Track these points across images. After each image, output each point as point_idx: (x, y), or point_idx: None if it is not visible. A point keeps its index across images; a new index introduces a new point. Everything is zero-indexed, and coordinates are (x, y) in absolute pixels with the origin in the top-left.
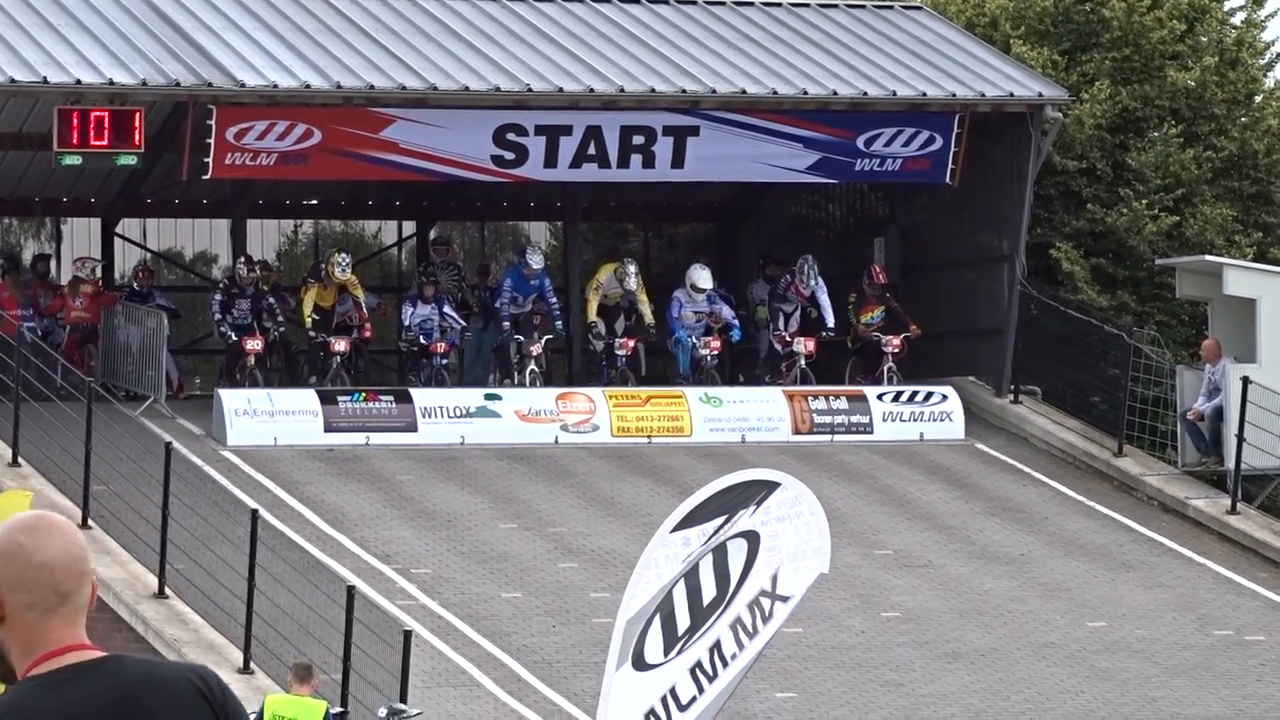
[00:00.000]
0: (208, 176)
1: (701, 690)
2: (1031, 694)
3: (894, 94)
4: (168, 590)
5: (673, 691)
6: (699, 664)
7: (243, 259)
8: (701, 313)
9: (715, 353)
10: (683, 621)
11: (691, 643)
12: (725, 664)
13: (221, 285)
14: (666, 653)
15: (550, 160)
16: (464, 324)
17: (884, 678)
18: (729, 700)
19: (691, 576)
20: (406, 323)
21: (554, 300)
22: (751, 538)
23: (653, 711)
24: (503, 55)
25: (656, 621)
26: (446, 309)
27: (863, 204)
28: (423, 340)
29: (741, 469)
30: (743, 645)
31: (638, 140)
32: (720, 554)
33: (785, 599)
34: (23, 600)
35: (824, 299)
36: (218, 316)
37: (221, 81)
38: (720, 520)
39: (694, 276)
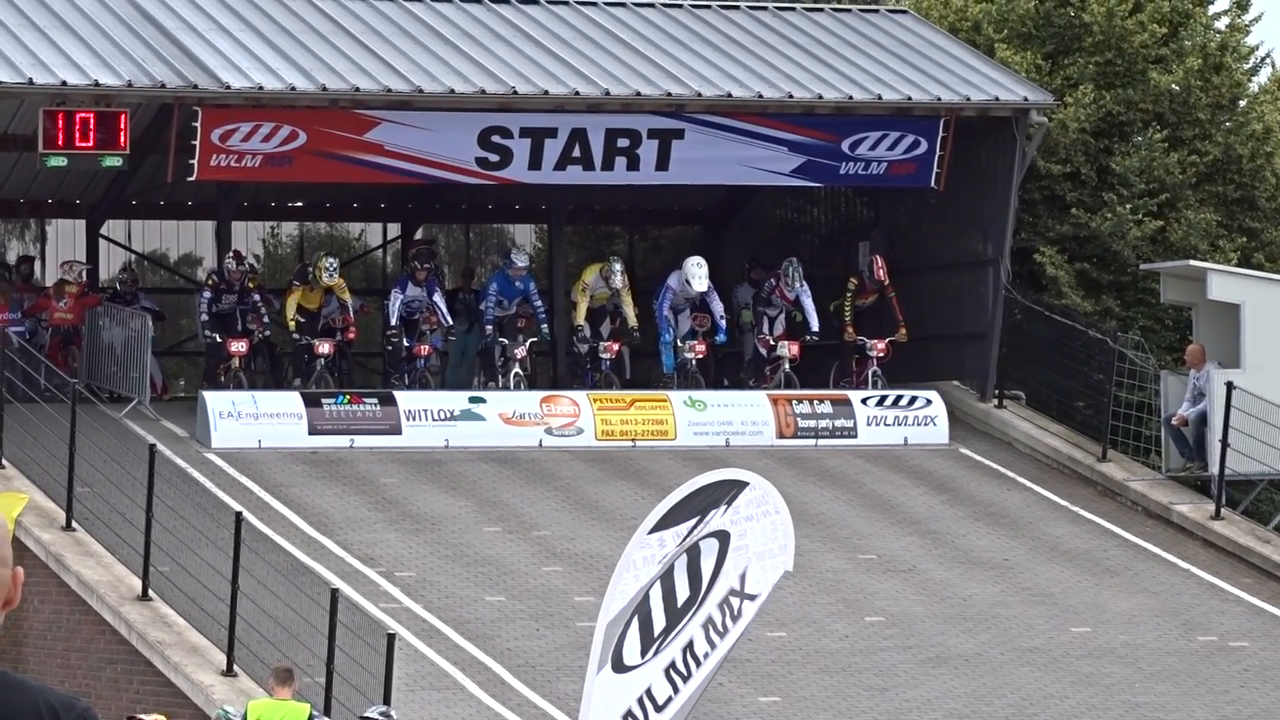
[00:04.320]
0: (193, 178)
1: (676, 690)
2: (1015, 699)
3: (879, 98)
4: (151, 592)
5: (649, 692)
6: (673, 664)
7: (231, 254)
8: (692, 310)
9: (699, 356)
10: (659, 622)
11: (667, 643)
12: (698, 663)
13: (210, 282)
14: (644, 654)
15: (535, 163)
16: (451, 322)
17: (868, 682)
18: (711, 704)
19: (667, 578)
20: (393, 307)
21: (539, 303)
22: (723, 537)
23: (630, 713)
24: (488, 58)
25: (635, 623)
26: (436, 296)
27: (847, 207)
28: (407, 313)
29: None
30: (714, 644)
31: (623, 143)
32: (694, 554)
33: (753, 597)
34: None
35: (808, 302)
36: (204, 318)
37: (207, 83)
38: (693, 521)
39: (690, 273)
